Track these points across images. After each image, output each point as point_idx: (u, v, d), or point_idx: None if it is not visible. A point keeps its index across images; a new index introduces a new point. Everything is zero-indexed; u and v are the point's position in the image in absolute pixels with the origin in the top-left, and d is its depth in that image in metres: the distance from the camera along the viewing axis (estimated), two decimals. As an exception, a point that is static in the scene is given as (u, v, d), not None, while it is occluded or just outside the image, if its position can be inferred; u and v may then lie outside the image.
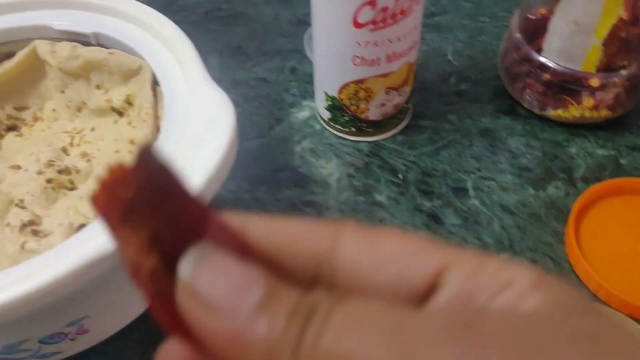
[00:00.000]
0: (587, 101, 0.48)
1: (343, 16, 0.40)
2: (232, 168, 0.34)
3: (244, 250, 0.15)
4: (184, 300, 0.14)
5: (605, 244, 0.42)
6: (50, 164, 0.40)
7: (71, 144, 0.43)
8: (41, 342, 0.34)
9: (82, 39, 0.43)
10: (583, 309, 0.14)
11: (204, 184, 0.31)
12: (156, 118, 0.39)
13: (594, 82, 0.47)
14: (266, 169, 0.48)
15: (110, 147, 0.41)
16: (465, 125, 0.51)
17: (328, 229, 0.16)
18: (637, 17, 0.44)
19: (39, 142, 0.43)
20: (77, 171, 0.40)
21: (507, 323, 0.13)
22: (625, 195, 0.45)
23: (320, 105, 0.49)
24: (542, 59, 0.48)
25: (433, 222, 0.44)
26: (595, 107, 0.48)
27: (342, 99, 0.46)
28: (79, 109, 0.44)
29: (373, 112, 0.47)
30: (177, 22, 0.42)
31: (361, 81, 0.45)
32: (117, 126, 0.43)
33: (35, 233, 0.36)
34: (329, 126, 0.50)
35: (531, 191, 0.46)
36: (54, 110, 0.45)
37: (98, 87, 0.43)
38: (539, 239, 0.43)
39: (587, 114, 0.48)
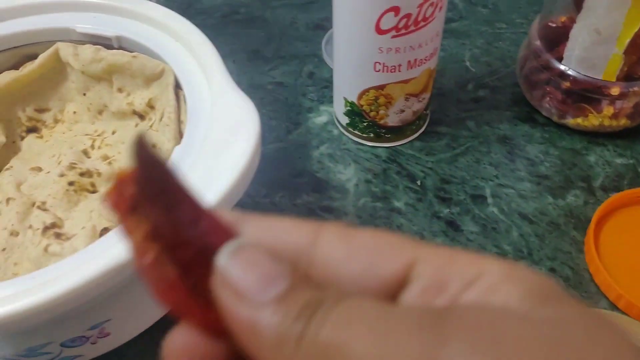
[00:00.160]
0: (607, 110, 0.48)
1: (366, 22, 0.40)
2: (253, 173, 0.34)
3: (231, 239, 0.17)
4: (216, 285, 0.16)
5: (625, 253, 0.42)
6: (72, 166, 0.40)
7: (92, 147, 0.43)
8: (63, 345, 0.34)
9: (104, 42, 0.43)
10: (556, 297, 0.14)
11: (229, 190, 0.31)
12: (179, 122, 0.39)
13: (615, 90, 0.46)
14: (284, 173, 0.48)
15: (131, 150, 0.41)
16: (483, 132, 0.51)
17: (310, 226, 0.17)
18: (659, 26, 0.43)
19: (60, 144, 0.43)
20: (99, 174, 0.40)
21: (474, 316, 0.14)
22: (644, 205, 0.45)
23: (339, 110, 0.49)
24: (562, 67, 0.48)
25: (451, 229, 0.44)
26: (615, 116, 0.48)
27: (361, 105, 0.46)
28: (100, 112, 0.45)
29: (392, 118, 0.47)
30: (194, 26, 0.42)
31: (381, 87, 0.45)
32: (138, 129, 0.43)
33: (58, 236, 0.36)
34: (347, 131, 0.50)
35: (550, 199, 0.46)
36: (74, 112, 0.45)
37: (120, 90, 0.43)
38: (558, 248, 0.43)
39: (607, 122, 0.48)
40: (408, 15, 0.40)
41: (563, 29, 0.47)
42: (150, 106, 0.42)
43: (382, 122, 0.47)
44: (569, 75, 0.47)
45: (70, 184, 0.39)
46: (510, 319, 0.14)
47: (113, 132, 0.44)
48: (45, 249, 0.35)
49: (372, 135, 0.49)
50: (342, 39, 0.44)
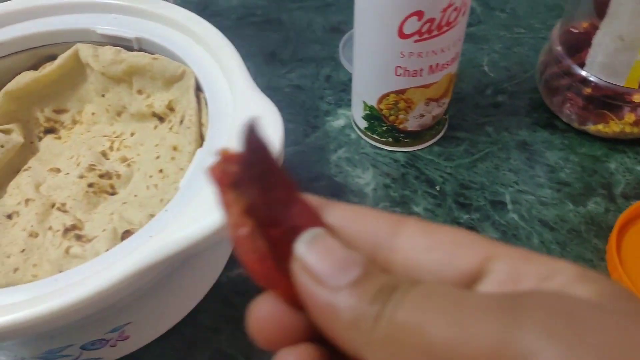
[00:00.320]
0: (629, 117, 0.47)
1: (388, 27, 0.40)
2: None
3: (319, 225, 0.18)
4: (296, 270, 0.17)
5: (648, 262, 0.42)
6: (91, 168, 0.40)
7: (111, 148, 0.43)
8: (83, 348, 0.34)
9: (124, 44, 0.43)
10: (627, 297, 0.15)
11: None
12: (200, 125, 0.39)
13: (637, 97, 0.46)
14: (302, 177, 0.48)
15: (151, 152, 0.41)
16: (502, 138, 0.50)
17: (392, 217, 0.19)
18: (684, 33, 0.43)
19: (78, 145, 0.43)
20: (118, 176, 0.40)
21: (550, 301, 0.14)
22: (667, 213, 0.44)
23: (357, 114, 0.49)
24: (583, 73, 0.47)
25: (471, 235, 0.44)
26: (636, 123, 0.47)
27: (381, 109, 0.46)
28: (118, 114, 0.44)
29: (411, 123, 0.47)
30: (215, 28, 0.42)
31: (402, 92, 0.44)
32: (158, 131, 0.42)
33: (78, 238, 0.36)
34: (365, 135, 0.50)
35: (571, 206, 0.45)
36: (93, 113, 0.45)
37: (140, 92, 0.43)
38: (580, 256, 0.42)
39: (628, 129, 0.48)
40: (431, 20, 0.39)
41: (585, 35, 0.47)
42: (170, 108, 0.42)
43: (401, 126, 0.47)
44: (590, 82, 0.47)
45: (90, 185, 0.39)
46: (586, 307, 0.14)
47: (132, 134, 0.43)
48: (67, 251, 0.35)
49: (390, 139, 0.48)
50: (363, 43, 0.43)
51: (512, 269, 0.16)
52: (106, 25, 0.43)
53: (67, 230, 0.36)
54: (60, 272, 0.34)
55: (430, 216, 0.45)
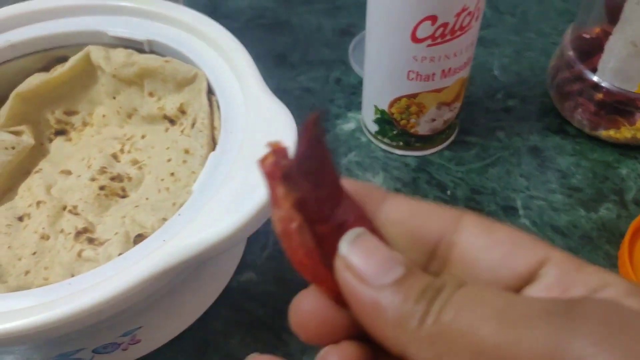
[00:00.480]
0: (641, 122, 0.47)
1: (401, 30, 0.40)
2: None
3: (366, 224, 0.18)
4: (339, 268, 0.17)
5: (660, 269, 0.41)
6: (102, 170, 0.40)
7: (122, 151, 0.43)
8: (95, 351, 0.34)
9: (136, 46, 0.43)
10: None
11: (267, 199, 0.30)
12: (212, 128, 0.38)
13: (649, 103, 0.46)
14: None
15: (162, 155, 0.41)
16: (514, 143, 0.50)
17: (452, 212, 0.19)
18: (698, 39, 0.43)
19: (89, 147, 0.43)
20: (129, 179, 0.40)
21: (604, 309, 0.14)
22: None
23: (368, 117, 0.49)
24: (595, 79, 0.47)
25: (482, 240, 0.44)
26: (649, 129, 0.47)
27: (392, 113, 0.46)
28: (129, 116, 0.44)
29: (423, 127, 0.47)
30: (227, 30, 0.41)
31: (414, 96, 0.44)
32: (169, 134, 0.42)
33: (90, 241, 0.36)
34: (376, 139, 0.50)
35: (582, 212, 0.45)
36: (104, 116, 0.45)
37: (151, 94, 0.43)
38: (592, 262, 0.42)
39: (639, 135, 0.48)
40: (445, 25, 0.39)
41: (597, 40, 0.47)
42: (182, 111, 0.42)
43: (412, 130, 0.47)
44: (602, 87, 0.47)
45: (102, 188, 0.39)
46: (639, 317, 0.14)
47: (143, 137, 0.43)
48: (79, 254, 0.35)
49: (401, 143, 0.48)
50: (375, 47, 0.43)
51: (562, 276, 0.17)
52: (118, 27, 0.43)
53: (79, 233, 0.36)
54: (72, 275, 0.34)
55: (441, 221, 0.45)
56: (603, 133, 0.49)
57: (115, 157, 0.42)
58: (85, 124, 0.45)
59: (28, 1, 0.44)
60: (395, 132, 0.48)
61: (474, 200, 0.46)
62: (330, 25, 0.62)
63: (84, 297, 0.28)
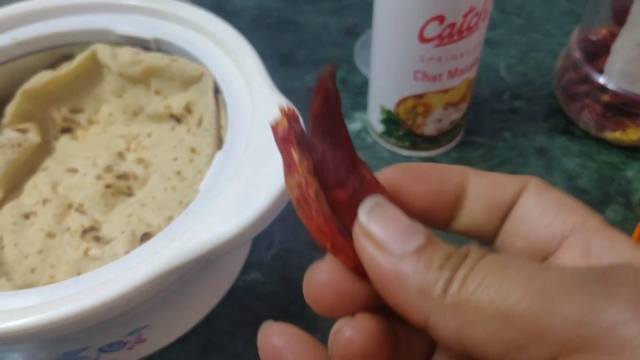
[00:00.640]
0: (648, 124, 0.47)
1: (409, 31, 0.40)
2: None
3: (383, 192, 0.18)
4: (359, 236, 0.17)
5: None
6: (109, 169, 0.40)
7: (128, 149, 0.43)
8: (101, 350, 0.34)
9: (142, 44, 0.43)
10: None
11: (276, 198, 0.30)
12: (219, 127, 0.38)
13: (656, 105, 0.46)
14: (318, 180, 0.48)
15: (168, 154, 0.41)
16: (520, 144, 0.50)
17: (521, 177, 0.19)
18: None
19: (95, 146, 0.43)
20: (135, 177, 0.40)
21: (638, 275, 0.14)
22: (686, 222, 0.44)
23: (374, 118, 0.49)
24: (602, 80, 0.47)
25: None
26: (655, 131, 0.47)
27: (398, 113, 0.46)
28: (135, 114, 0.44)
29: (429, 128, 0.47)
30: (235, 29, 0.41)
31: (420, 96, 0.44)
32: (175, 133, 0.42)
33: (97, 239, 0.36)
34: (382, 140, 0.50)
35: (588, 214, 0.45)
36: (110, 114, 0.45)
37: (157, 92, 0.43)
38: (598, 264, 0.42)
39: (646, 137, 0.48)
40: (452, 25, 0.39)
41: (603, 41, 0.47)
42: (188, 110, 0.42)
43: (418, 131, 0.47)
44: (609, 89, 0.47)
45: (108, 186, 0.39)
46: None
47: (149, 135, 0.43)
48: (86, 253, 0.35)
49: (407, 144, 0.48)
50: (382, 47, 0.43)
51: (588, 240, 0.17)
52: (125, 25, 0.43)
53: (85, 232, 0.36)
54: (79, 273, 0.34)
55: (446, 222, 0.45)
56: (609, 135, 0.49)
57: (121, 155, 0.42)
58: (91, 122, 0.45)
59: (35, -1, 0.44)
60: (401, 133, 0.47)
61: (480, 201, 0.46)
62: (336, 24, 0.62)
63: (91, 295, 0.28)
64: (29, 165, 0.42)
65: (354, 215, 0.17)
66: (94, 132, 0.45)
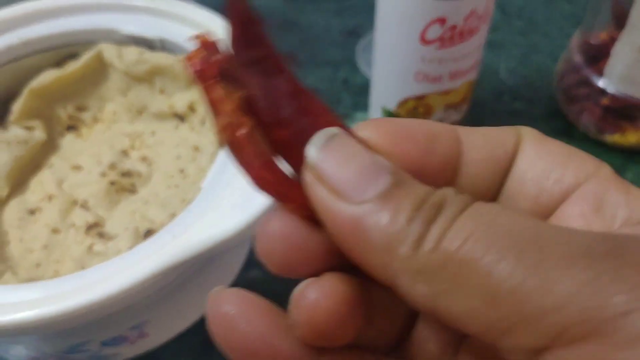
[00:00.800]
0: (646, 127, 0.47)
1: (410, 32, 0.40)
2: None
3: (340, 126, 0.15)
4: (308, 180, 0.14)
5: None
6: (113, 166, 0.41)
7: (132, 147, 0.43)
8: (103, 343, 0.34)
9: (147, 44, 0.44)
10: None
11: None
12: (222, 126, 0.39)
13: (655, 108, 0.46)
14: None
15: (171, 152, 0.42)
16: (519, 145, 0.50)
17: (513, 129, 0.17)
18: None
19: (100, 143, 0.44)
20: (139, 175, 0.41)
21: None
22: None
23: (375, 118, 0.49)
24: (602, 84, 0.47)
25: (487, 242, 0.44)
26: (654, 134, 0.48)
27: (399, 114, 0.46)
28: (139, 112, 0.45)
29: (429, 129, 0.47)
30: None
31: (421, 97, 0.44)
32: (178, 131, 0.43)
33: (101, 235, 0.36)
34: (382, 140, 0.50)
35: (586, 216, 0.45)
36: (114, 112, 0.45)
37: (161, 91, 0.43)
38: (595, 265, 0.43)
39: (645, 140, 0.48)
40: (454, 27, 0.40)
41: (604, 45, 0.47)
42: (192, 109, 0.42)
43: (419, 132, 0.47)
44: (608, 92, 0.47)
45: (112, 183, 0.40)
46: None
47: (152, 133, 0.44)
48: (90, 248, 0.35)
49: (408, 144, 0.49)
50: (384, 48, 0.44)
51: (600, 193, 0.15)
52: (130, 25, 0.44)
53: (89, 228, 0.37)
54: (83, 268, 0.34)
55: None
56: (608, 137, 0.49)
57: (125, 153, 0.43)
58: (95, 120, 0.46)
59: (42, -2, 0.45)
60: (402, 133, 0.48)
61: (479, 202, 0.46)
62: (338, 25, 0.63)
63: (95, 289, 0.28)
64: (34, 162, 0.43)
65: (303, 156, 0.14)
66: (98, 130, 0.45)
